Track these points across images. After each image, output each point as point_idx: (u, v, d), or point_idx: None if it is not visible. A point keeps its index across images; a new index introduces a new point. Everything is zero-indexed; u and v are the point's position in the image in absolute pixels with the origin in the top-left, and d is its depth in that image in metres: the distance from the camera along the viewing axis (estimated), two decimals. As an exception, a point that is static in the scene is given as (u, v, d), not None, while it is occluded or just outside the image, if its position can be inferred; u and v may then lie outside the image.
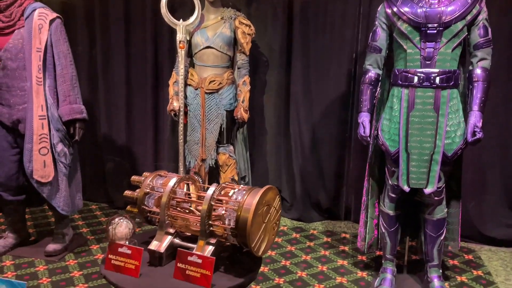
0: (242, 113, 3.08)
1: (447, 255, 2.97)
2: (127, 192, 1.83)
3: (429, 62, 2.20)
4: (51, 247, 2.87)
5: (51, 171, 2.66)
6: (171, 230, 1.70)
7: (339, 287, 2.55)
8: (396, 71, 2.31)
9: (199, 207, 1.80)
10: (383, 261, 2.55)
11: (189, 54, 3.16)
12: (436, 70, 2.19)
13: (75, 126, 2.71)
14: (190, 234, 1.77)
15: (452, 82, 2.21)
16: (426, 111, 2.22)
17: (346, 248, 3.09)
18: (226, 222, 1.60)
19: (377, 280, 2.52)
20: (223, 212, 1.60)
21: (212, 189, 1.64)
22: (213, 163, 3.16)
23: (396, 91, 2.32)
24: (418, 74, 2.21)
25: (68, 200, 2.79)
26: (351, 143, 3.49)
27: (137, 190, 1.84)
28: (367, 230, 2.63)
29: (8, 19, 2.58)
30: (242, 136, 3.30)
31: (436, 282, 2.40)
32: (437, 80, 2.19)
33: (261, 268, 2.70)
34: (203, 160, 3.18)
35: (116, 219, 1.67)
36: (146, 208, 1.77)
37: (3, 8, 2.56)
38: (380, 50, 2.40)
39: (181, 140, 3.10)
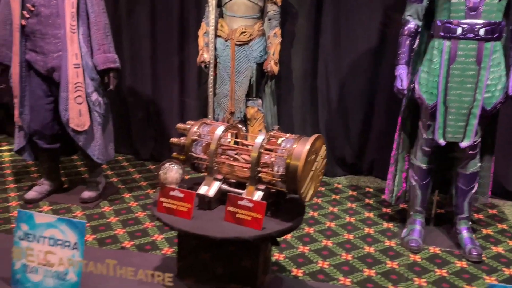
0: (272, 66, 3.05)
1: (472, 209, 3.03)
2: (173, 140, 1.87)
3: (474, 12, 2.14)
4: (86, 194, 2.96)
5: (87, 120, 2.70)
6: (219, 176, 1.75)
7: (368, 237, 2.64)
8: (437, 22, 2.25)
9: (243, 155, 1.84)
10: (412, 213, 2.61)
11: (219, 4, 3.10)
12: (481, 21, 2.14)
13: (109, 75, 2.72)
14: (235, 180, 1.82)
15: (497, 34, 2.16)
16: (468, 64, 2.19)
17: (371, 201, 3.16)
18: (275, 169, 1.64)
19: (405, 231, 2.60)
20: (272, 159, 1.64)
21: (261, 137, 1.67)
22: (242, 116, 3.18)
23: (436, 43, 2.27)
24: (462, 25, 2.17)
25: (103, 149, 2.85)
26: (378, 97, 3.47)
27: (183, 138, 1.87)
28: (396, 183, 2.67)
29: (41, -35, 2.54)
30: (270, 90, 3.29)
31: (465, 233, 2.46)
32: (482, 31, 2.14)
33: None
34: (231, 113, 3.19)
35: (166, 164, 1.71)
36: (194, 154, 1.81)
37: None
38: (421, 0, 2.33)
39: (211, 93, 3.11)
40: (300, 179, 1.57)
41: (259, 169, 1.65)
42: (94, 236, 2.55)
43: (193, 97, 3.77)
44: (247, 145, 1.84)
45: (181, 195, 1.65)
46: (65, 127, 2.77)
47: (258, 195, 1.64)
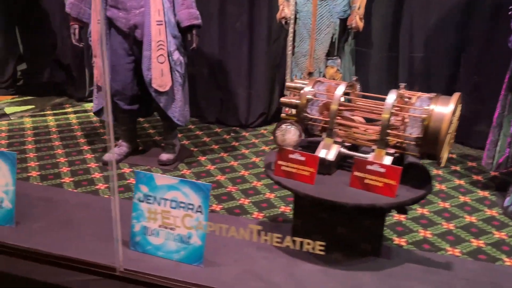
0: (357, 21, 2.84)
1: None
2: (284, 99, 1.75)
3: None
4: (164, 156, 2.92)
5: (168, 81, 2.61)
6: (338, 139, 1.63)
7: (465, 205, 2.49)
8: None
9: (356, 116, 1.70)
10: (517, 181, 2.43)
11: (300, -46, 2.88)
12: None
13: (191, 33, 2.59)
14: (350, 143, 1.69)
15: None
16: None
17: (458, 168, 2.98)
18: (408, 131, 1.49)
19: (507, 200, 2.43)
20: (406, 120, 1.49)
21: (392, 96, 1.52)
22: (321, 76, 3.02)
23: None
24: None
25: (183, 111, 2.78)
26: (466, 57, 3.20)
27: (294, 97, 1.74)
28: (498, 149, 2.47)
29: None
30: (349, 48, 3.09)
31: None
32: None
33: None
34: (309, 74, 3.03)
35: (284, 126, 1.60)
36: (309, 115, 1.68)
37: None
38: None
39: (290, 52, 2.94)
40: (441, 142, 1.42)
41: (389, 131, 1.51)
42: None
43: (263, 57, 3.61)
44: (368, 105, 1.69)
45: (303, 158, 1.54)
46: (144, 88, 2.71)
47: (388, 160, 1.51)
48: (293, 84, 1.75)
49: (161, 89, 2.61)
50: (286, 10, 2.87)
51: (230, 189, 2.67)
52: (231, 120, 3.79)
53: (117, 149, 2.97)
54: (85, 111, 4.10)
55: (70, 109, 4.12)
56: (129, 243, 1.57)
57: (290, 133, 1.59)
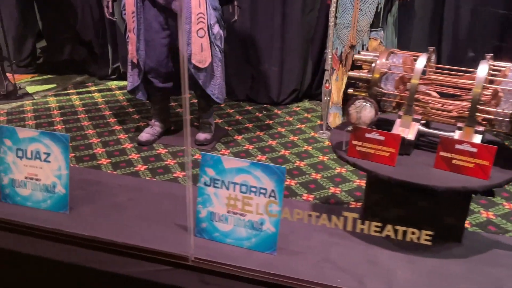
0: (405, -10, 2.66)
1: None
2: (353, 73, 1.60)
3: None
4: (202, 136, 2.81)
5: (208, 56, 2.47)
6: (417, 116, 1.49)
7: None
8: None
9: (428, 91, 1.56)
10: None
11: None
12: None
13: (233, 4, 2.43)
14: (426, 120, 1.56)
15: None
16: None
17: None
18: (502, 106, 1.36)
19: None
20: (500, 94, 1.35)
21: (484, 68, 1.38)
22: (364, 50, 2.85)
23: None
24: None
25: (222, 88, 2.64)
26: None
27: (363, 71, 1.60)
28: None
29: None
30: (393, 19, 2.92)
31: None
32: None
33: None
34: (351, 47, 2.87)
35: (358, 102, 1.46)
36: (383, 90, 1.54)
37: None
38: None
39: (332, 23, 2.77)
40: (543, 118, 1.28)
41: (480, 107, 1.37)
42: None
43: (296, 30, 3.43)
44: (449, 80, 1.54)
45: (382, 137, 1.42)
46: (178, 64, 2.56)
47: (478, 138, 1.38)
48: (362, 57, 1.61)
49: (200, 65, 2.46)
50: (330, -21, 2.68)
51: (273, 169, 2.56)
52: (261, 97, 3.64)
53: (150, 130, 2.86)
54: (110, 89, 3.97)
55: (93, 88, 4.00)
56: (194, 230, 1.46)
57: (365, 110, 1.45)
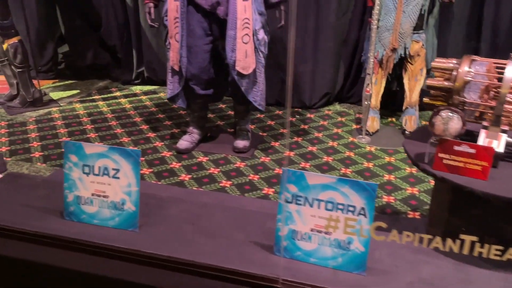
0: (451, -9, 2.59)
1: None
2: (433, 82, 1.54)
3: None
4: (240, 143, 2.74)
5: (252, 62, 2.40)
6: (505, 127, 1.43)
7: None
8: None
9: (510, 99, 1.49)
10: None
11: None
12: None
13: (280, 8, 2.37)
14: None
15: None
16: None
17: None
18: None
19: None
20: None
21: None
22: (407, 53, 2.79)
23: None
24: None
25: (264, 95, 2.58)
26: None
27: (440, 79, 1.53)
28: None
29: None
30: (434, 21, 2.85)
31: None
32: None
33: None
34: (393, 50, 2.80)
35: (444, 113, 1.40)
36: (466, 100, 1.48)
37: None
38: None
39: (374, 26, 2.71)
40: None
41: None
42: (272, 190, 2.35)
43: (329, 32, 3.37)
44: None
45: (473, 150, 1.35)
46: (218, 70, 2.51)
47: None
48: (441, 65, 1.54)
49: (244, 72, 2.40)
50: (374, -20, 2.61)
51: (319, 177, 2.50)
52: (292, 101, 3.58)
53: (189, 137, 2.80)
54: (135, 94, 3.91)
55: (118, 93, 3.93)
56: (273, 248, 1.40)
57: (453, 122, 1.39)
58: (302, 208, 1.36)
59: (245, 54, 2.36)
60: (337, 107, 3.61)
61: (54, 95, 3.89)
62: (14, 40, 3.32)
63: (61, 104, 3.65)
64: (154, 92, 3.97)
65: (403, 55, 2.80)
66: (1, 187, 1.79)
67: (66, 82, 4.23)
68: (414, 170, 2.57)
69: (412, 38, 2.76)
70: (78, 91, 4.00)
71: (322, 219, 1.34)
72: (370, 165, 2.63)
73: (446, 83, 1.50)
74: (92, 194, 1.51)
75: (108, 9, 3.96)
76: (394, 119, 3.31)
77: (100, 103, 3.69)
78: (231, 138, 2.90)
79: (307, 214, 1.35)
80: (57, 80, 4.26)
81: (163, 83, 4.11)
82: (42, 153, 2.76)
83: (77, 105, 3.63)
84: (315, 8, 3.30)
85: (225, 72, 2.57)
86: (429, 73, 2.95)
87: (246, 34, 2.32)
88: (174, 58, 2.45)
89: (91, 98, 3.81)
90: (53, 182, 1.75)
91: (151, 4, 2.47)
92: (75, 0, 4.02)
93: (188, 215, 1.63)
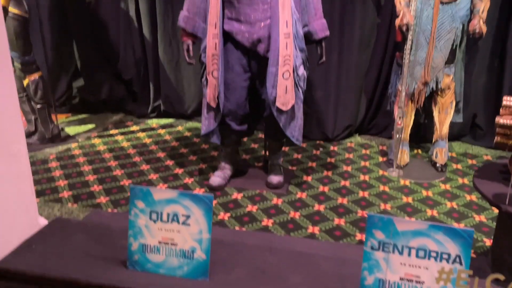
0: (481, 26, 2.63)
1: None
2: (502, 120, 1.52)
3: None
4: (275, 179, 2.68)
5: (291, 98, 2.38)
6: None
7: None
8: None
9: None
10: None
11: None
12: None
13: (321, 45, 2.37)
14: None
15: None
16: None
17: None
18: None
19: None
20: None
21: None
22: (439, 86, 2.81)
23: None
24: None
25: (302, 129, 2.55)
26: None
27: (510, 116, 1.52)
28: None
29: None
30: (462, 54, 2.89)
31: None
32: None
33: None
34: (425, 84, 2.82)
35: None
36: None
37: None
38: None
39: (407, 60, 2.73)
40: None
41: None
42: (318, 228, 2.29)
43: (351, 66, 3.39)
44: None
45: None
46: (252, 106, 2.49)
47: None
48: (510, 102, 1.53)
49: (283, 108, 2.37)
50: (408, 16, 2.64)
51: (360, 213, 2.44)
52: (314, 133, 3.56)
53: (221, 173, 2.73)
54: (152, 128, 3.84)
55: (135, 127, 3.86)
56: (357, 300, 1.33)
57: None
58: (390, 255, 1.29)
59: (285, 90, 2.33)
60: (358, 139, 3.60)
61: (70, 130, 3.80)
62: (35, 76, 3.27)
63: (79, 140, 3.57)
64: (171, 126, 3.92)
65: (434, 89, 2.82)
66: (50, 233, 1.70)
67: (80, 116, 4.15)
68: (454, 204, 2.54)
69: (443, 72, 2.79)
70: (93, 125, 3.93)
71: (413, 268, 1.28)
72: (410, 199, 2.59)
73: (518, 122, 1.49)
74: (159, 242, 1.43)
75: (126, 43, 3.95)
76: (420, 151, 3.30)
77: (119, 137, 3.62)
78: (261, 173, 2.85)
79: (397, 263, 1.29)
80: (69, 115, 4.19)
81: (180, 116, 4.08)
82: (70, 193, 2.66)
83: (96, 141, 3.55)
84: (337, 45, 3.32)
85: (258, 107, 2.54)
86: (457, 106, 2.97)
87: (287, 70, 2.30)
88: (211, 95, 2.42)
89: (108, 133, 3.73)
90: (106, 228, 1.66)
91: (190, 42, 2.45)
92: (93, 34, 4.00)
93: (259, 263, 1.54)
